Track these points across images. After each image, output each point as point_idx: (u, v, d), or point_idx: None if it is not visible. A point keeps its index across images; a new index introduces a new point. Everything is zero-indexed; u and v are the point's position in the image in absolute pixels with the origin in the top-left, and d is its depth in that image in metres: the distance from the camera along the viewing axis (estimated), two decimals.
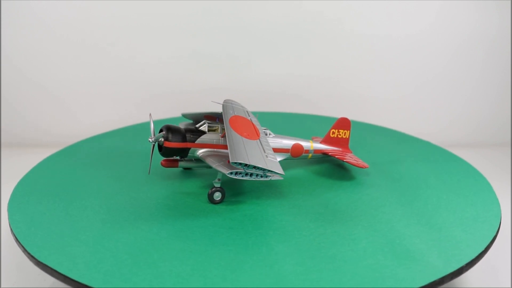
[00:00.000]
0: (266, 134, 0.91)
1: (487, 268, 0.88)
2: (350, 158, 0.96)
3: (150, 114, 0.86)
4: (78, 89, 1.50)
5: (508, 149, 1.51)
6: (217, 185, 0.84)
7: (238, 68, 1.51)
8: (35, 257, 0.69)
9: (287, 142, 0.92)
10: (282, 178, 0.80)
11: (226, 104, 0.92)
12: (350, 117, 0.99)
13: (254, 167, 0.77)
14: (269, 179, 0.79)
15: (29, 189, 0.88)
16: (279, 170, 0.78)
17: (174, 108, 1.45)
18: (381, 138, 1.17)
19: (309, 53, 1.51)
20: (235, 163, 0.75)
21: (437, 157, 1.06)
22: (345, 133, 0.98)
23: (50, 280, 0.83)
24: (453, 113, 1.57)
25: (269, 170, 0.77)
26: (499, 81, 1.53)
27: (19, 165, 1.13)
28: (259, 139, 0.83)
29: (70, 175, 0.94)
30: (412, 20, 1.48)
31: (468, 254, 0.71)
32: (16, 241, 0.74)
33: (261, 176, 0.79)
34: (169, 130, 0.84)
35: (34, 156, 1.13)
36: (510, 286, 0.86)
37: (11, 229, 0.76)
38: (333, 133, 0.98)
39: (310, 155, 0.95)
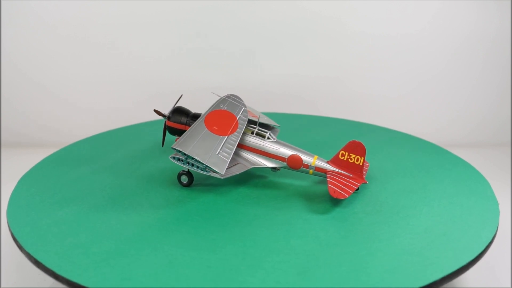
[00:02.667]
0: (265, 138, 0.90)
1: (487, 268, 0.88)
2: (338, 182, 0.87)
3: (181, 95, 0.95)
4: (78, 88, 1.49)
5: (508, 149, 1.51)
6: (184, 168, 0.87)
7: (239, 68, 1.51)
8: (35, 257, 0.69)
9: (285, 151, 0.89)
10: (221, 177, 0.82)
11: (225, 98, 0.93)
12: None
13: (193, 158, 0.80)
14: (209, 174, 0.82)
15: (29, 189, 0.88)
16: (219, 168, 0.81)
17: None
18: (380, 137, 1.17)
19: (309, 53, 1.50)
20: (175, 149, 0.81)
21: (436, 157, 1.06)
22: (357, 158, 0.88)
23: (50, 280, 0.83)
24: (453, 112, 1.56)
25: (207, 166, 0.80)
26: (499, 81, 1.52)
27: (19, 165, 1.13)
28: (227, 136, 0.85)
29: (70, 174, 0.94)
30: (412, 20, 1.48)
31: (467, 254, 0.71)
32: (15, 241, 0.74)
33: (201, 170, 0.82)
34: (174, 111, 0.92)
35: (34, 156, 1.13)
36: (510, 286, 0.86)
37: (10, 229, 0.76)
38: (342, 155, 0.88)
39: (311, 171, 0.89)
